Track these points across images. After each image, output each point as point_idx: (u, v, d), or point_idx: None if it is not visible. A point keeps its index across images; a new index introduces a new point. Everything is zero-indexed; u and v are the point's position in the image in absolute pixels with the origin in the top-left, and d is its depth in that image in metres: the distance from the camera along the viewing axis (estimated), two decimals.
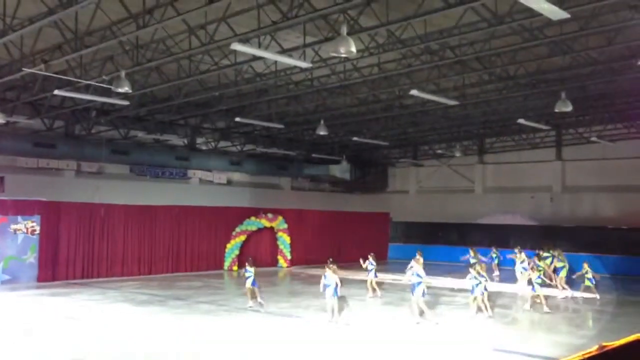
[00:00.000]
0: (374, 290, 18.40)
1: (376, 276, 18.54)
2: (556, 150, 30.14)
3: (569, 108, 17.88)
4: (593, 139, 26.82)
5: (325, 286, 13.71)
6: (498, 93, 20.27)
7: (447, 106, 20.45)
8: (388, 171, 36.84)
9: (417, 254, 15.89)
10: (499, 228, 29.88)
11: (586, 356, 4.41)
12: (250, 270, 15.73)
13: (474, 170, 33.07)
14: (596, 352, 4.59)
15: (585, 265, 18.41)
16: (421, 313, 14.10)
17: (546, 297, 16.25)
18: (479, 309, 15.00)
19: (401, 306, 16.54)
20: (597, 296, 18.14)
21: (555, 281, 19.21)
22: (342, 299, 15.21)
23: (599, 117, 25.24)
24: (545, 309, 15.76)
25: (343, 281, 14.54)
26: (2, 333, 12.26)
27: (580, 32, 13.36)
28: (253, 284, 15.74)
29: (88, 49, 14.03)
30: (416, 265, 14.25)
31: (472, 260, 20.54)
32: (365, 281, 18.68)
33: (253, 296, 15.90)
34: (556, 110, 18.22)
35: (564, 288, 18.98)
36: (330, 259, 15.02)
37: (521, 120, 22.40)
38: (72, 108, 20.78)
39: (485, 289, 15.09)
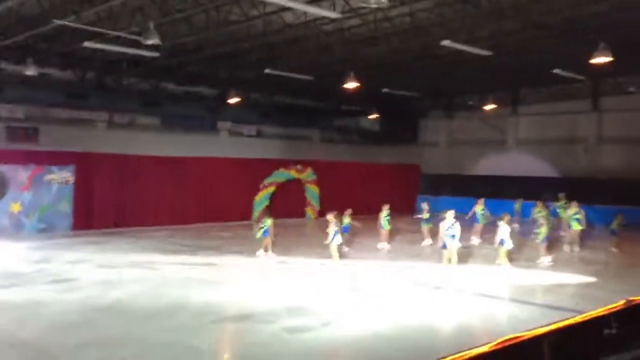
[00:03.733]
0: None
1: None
2: (592, 101, 29.36)
3: (607, 57, 17.26)
4: (631, 89, 25.98)
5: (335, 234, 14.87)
6: (534, 42, 19.66)
7: (480, 56, 19.96)
8: (419, 123, 36.41)
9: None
10: (530, 180, 29.49)
11: (613, 310, 4.39)
12: (265, 222, 16.18)
13: (506, 122, 32.46)
14: (623, 306, 4.56)
15: (618, 217, 18.59)
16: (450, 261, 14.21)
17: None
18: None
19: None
20: (615, 249, 18.18)
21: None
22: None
23: (639, 66, 24.36)
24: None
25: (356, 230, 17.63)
26: (40, 280, 12.67)
27: None
28: (265, 234, 16.10)
29: (117, 0, 13.99)
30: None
31: (480, 213, 20.18)
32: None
33: (265, 246, 16.22)
34: (594, 60, 17.62)
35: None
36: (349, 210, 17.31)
37: (557, 70, 21.79)
38: (103, 60, 20.91)
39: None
